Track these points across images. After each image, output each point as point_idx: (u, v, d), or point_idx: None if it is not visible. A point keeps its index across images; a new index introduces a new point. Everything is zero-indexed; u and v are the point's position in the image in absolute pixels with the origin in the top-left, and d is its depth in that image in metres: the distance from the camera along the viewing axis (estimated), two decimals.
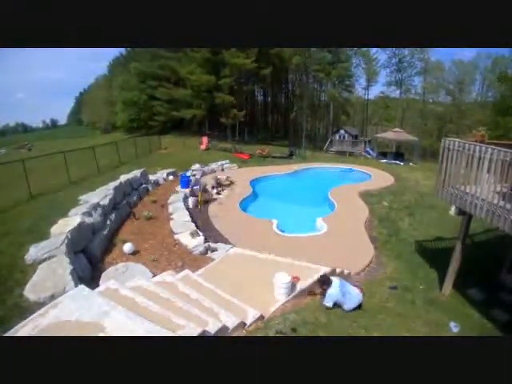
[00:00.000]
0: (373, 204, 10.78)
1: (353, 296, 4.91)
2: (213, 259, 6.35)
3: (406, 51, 35.84)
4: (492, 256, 6.98)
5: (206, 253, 6.66)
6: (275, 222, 8.73)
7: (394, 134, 22.76)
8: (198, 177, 13.14)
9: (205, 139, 23.37)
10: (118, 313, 3.39)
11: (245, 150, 21.83)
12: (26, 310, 3.86)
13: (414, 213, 10.10)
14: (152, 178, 12.02)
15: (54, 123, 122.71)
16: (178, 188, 11.25)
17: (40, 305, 3.80)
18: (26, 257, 4.96)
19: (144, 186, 10.78)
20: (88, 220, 6.41)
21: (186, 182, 11.09)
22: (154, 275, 5.25)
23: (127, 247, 6.29)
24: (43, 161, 12.37)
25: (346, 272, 6.33)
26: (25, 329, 3.14)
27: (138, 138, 21.79)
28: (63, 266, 4.68)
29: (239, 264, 6.13)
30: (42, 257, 4.91)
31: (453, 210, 5.67)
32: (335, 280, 4.93)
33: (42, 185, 9.50)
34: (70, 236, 5.49)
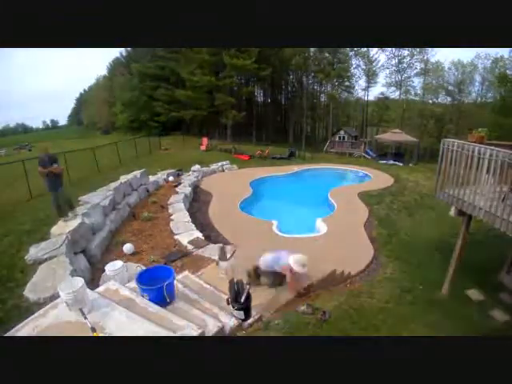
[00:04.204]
0: (372, 205, 10.77)
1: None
2: (213, 260, 6.35)
3: (406, 52, 35.93)
4: (492, 256, 6.98)
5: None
6: (275, 222, 8.72)
7: (393, 135, 22.75)
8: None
9: (205, 140, 23.38)
10: (118, 313, 3.39)
11: (245, 151, 21.83)
12: (26, 310, 3.86)
13: (413, 213, 10.10)
14: (152, 178, 12.03)
15: (54, 124, 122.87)
16: (178, 189, 11.27)
17: (40, 305, 3.80)
18: (26, 257, 4.97)
19: (144, 186, 10.79)
20: (88, 221, 6.42)
21: None
22: None
23: (127, 248, 6.29)
24: None
25: (345, 272, 6.34)
26: (25, 329, 3.13)
27: (138, 138, 21.79)
28: (63, 267, 4.69)
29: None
30: (42, 257, 4.92)
31: (452, 211, 5.66)
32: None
33: (42, 185, 9.49)
34: (69, 236, 5.50)
